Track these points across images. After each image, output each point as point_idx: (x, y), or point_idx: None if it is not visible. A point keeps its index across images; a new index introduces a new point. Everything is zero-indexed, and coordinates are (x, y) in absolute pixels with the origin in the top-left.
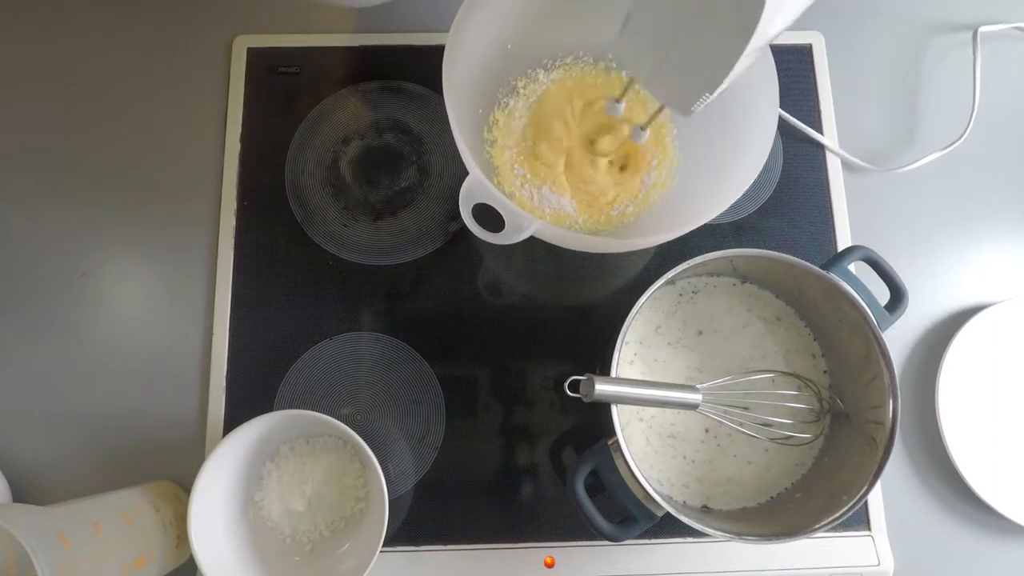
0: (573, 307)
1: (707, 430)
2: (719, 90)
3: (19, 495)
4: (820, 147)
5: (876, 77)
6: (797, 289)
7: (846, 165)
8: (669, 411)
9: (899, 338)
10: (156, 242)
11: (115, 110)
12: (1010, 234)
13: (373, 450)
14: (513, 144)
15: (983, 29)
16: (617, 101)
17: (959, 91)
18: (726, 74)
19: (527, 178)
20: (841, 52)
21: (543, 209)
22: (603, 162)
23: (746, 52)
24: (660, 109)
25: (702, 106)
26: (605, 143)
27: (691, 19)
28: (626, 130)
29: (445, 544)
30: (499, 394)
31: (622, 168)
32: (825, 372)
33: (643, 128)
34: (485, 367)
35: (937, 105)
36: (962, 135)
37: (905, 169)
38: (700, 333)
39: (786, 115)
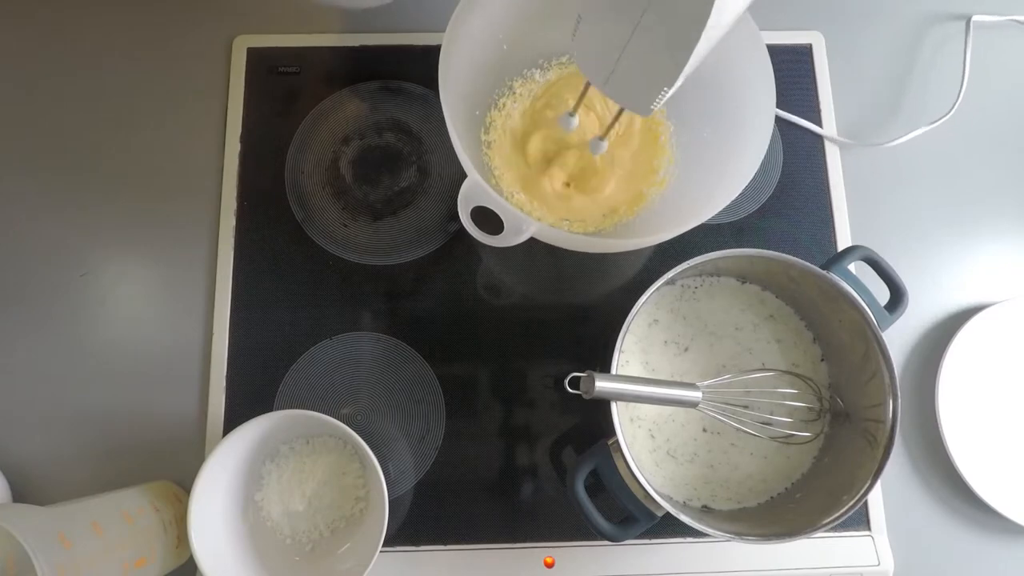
0: (573, 307)
1: (705, 430)
2: (677, 85)
3: (19, 495)
4: (820, 147)
5: (876, 76)
6: (797, 289)
7: (846, 161)
8: (668, 410)
9: (899, 338)
10: (156, 242)
11: (115, 110)
12: (1010, 234)
13: (373, 450)
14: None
15: (978, 18)
16: (571, 114)
17: (958, 83)
18: (682, 68)
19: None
20: (841, 51)
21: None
22: (557, 183)
23: (704, 38)
24: (619, 113)
25: (661, 103)
26: (555, 168)
27: (640, 16)
28: (573, 157)
29: (445, 544)
30: (499, 394)
31: (578, 189)
32: (825, 369)
33: (601, 139)
34: (485, 367)
35: (938, 104)
36: (948, 111)
37: (905, 165)
38: (700, 332)
39: (784, 113)
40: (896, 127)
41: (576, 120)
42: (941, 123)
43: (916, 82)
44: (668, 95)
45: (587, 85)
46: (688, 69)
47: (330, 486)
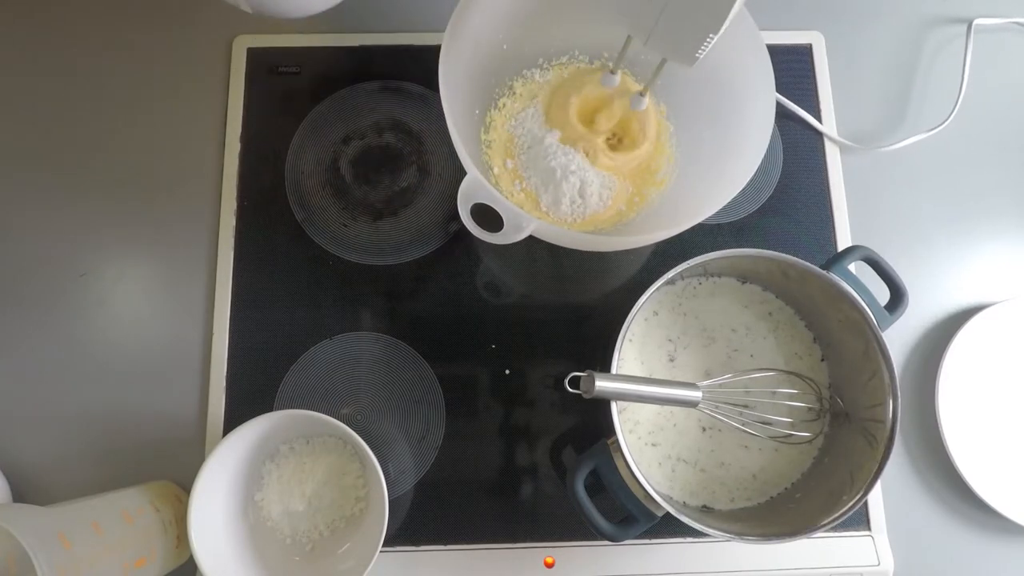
0: (573, 307)
1: (705, 429)
2: (723, 30)
3: (19, 495)
4: (820, 147)
5: (877, 77)
6: (797, 289)
7: (847, 162)
8: (666, 415)
9: (899, 338)
10: (156, 242)
11: (115, 110)
12: (1010, 234)
13: (373, 450)
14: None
15: (980, 21)
16: (612, 72)
17: (959, 85)
18: (730, 9)
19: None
20: (841, 52)
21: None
22: (602, 137)
23: None
24: (660, 66)
25: (706, 51)
26: (602, 119)
27: None
28: (618, 108)
29: (445, 544)
30: (499, 394)
31: (619, 142)
32: (825, 369)
33: (641, 94)
34: (485, 367)
35: (939, 106)
36: (949, 115)
37: (905, 165)
38: (700, 332)
39: (784, 100)
40: (896, 130)
41: (618, 77)
42: (941, 128)
43: (917, 83)
44: (713, 42)
45: (626, 42)
46: (734, 11)
47: (330, 486)
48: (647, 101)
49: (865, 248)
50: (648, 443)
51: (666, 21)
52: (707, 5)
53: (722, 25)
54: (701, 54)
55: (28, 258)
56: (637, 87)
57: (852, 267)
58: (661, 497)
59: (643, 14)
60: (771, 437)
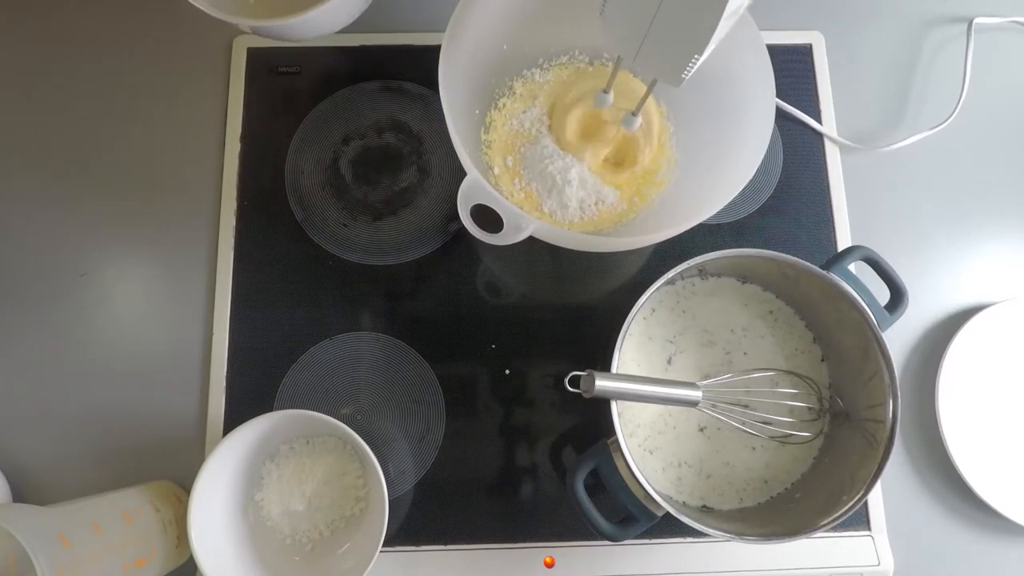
0: (573, 307)
1: (703, 429)
2: (707, 52)
3: (19, 495)
4: (820, 147)
5: (877, 77)
6: (797, 289)
7: (847, 162)
8: (667, 412)
9: (899, 338)
10: (156, 242)
11: (115, 110)
12: (1010, 234)
13: (373, 450)
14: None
15: (980, 21)
16: (605, 91)
17: (959, 85)
18: (711, 33)
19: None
20: (841, 51)
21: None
22: (600, 157)
23: (728, 9)
24: (651, 87)
25: (692, 71)
26: (598, 143)
27: None
28: (612, 130)
29: (445, 544)
30: (499, 394)
31: (616, 164)
32: (825, 369)
33: (634, 114)
34: (485, 367)
35: (939, 106)
36: (949, 115)
37: (905, 165)
38: (700, 332)
39: (784, 104)
40: (896, 130)
41: (611, 97)
42: (942, 127)
43: (917, 83)
44: (699, 63)
45: (617, 61)
46: (719, 34)
47: (330, 486)
48: (639, 121)
49: (865, 248)
50: (648, 449)
51: (652, 43)
52: (690, 28)
53: (706, 48)
54: (687, 75)
55: (28, 258)
56: (641, 85)
57: (852, 267)
58: (661, 497)
59: (630, 35)
60: (771, 437)
